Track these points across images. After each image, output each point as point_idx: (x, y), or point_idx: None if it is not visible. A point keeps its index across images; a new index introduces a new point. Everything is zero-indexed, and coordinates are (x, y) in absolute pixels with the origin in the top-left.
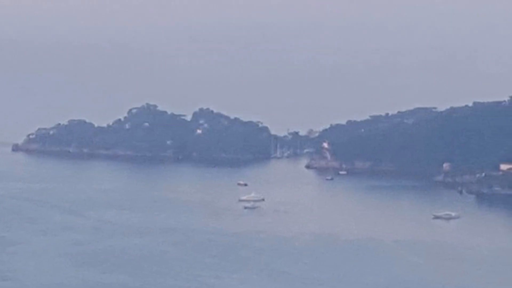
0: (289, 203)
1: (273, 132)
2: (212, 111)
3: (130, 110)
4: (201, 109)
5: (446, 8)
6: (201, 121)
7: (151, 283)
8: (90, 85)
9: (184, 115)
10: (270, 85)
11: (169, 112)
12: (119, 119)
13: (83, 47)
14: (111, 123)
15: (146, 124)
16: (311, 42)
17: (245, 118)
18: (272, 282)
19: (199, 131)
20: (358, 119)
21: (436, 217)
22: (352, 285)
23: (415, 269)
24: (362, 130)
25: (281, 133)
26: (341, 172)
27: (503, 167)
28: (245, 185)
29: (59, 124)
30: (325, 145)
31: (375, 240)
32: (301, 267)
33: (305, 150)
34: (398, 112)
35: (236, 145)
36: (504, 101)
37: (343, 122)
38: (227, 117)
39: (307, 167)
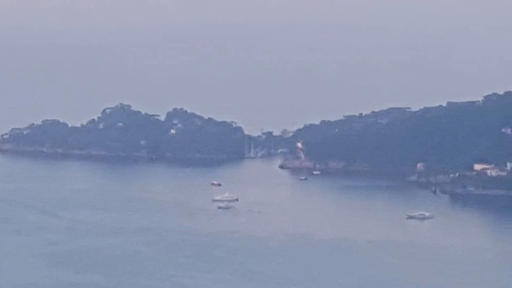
0: (263, 203)
1: (247, 132)
2: (186, 111)
3: (104, 110)
4: (175, 109)
5: (419, 8)
6: (175, 121)
7: (124, 283)
8: (64, 85)
9: (158, 115)
10: (244, 85)
11: (143, 112)
12: (93, 119)
13: (57, 47)
14: (85, 123)
15: (120, 124)
16: (284, 41)
17: (219, 118)
18: (246, 282)
19: (173, 131)
20: (332, 119)
21: (410, 217)
22: (326, 285)
23: (389, 269)
24: (336, 130)
25: (255, 133)
26: (315, 172)
27: (477, 167)
28: (219, 185)
29: (33, 124)
30: (299, 145)
31: (349, 240)
32: (275, 267)
33: (279, 150)
34: (372, 112)
35: (210, 145)
36: (478, 101)
37: (317, 122)
38: (200, 117)
39: (281, 167)
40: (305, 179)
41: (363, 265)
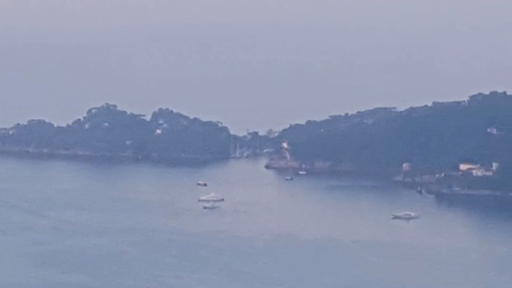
0: (249, 203)
1: (232, 132)
2: (171, 111)
3: (90, 110)
4: (160, 109)
5: (405, 9)
6: (160, 121)
7: (110, 283)
8: (49, 85)
9: (143, 115)
10: (229, 85)
11: (128, 112)
12: (79, 119)
13: (41, 47)
14: (70, 123)
15: (106, 124)
16: (269, 42)
17: (204, 118)
18: (232, 282)
19: (158, 131)
20: (318, 119)
21: (396, 217)
22: (311, 285)
23: (374, 269)
24: (322, 130)
25: (241, 133)
26: (300, 172)
27: (463, 167)
28: (205, 185)
29: (19, 124)
30: (285, 145)
31: (335, 240)
32: (261, 267)
33: (265, 150)
34: (358, 112)
35: (195, 145)
36: (464, 101)
37: (303, 122)
38: (186, 117)
39: (267, 167)
40: (291, 179)
41: (348, 265)
